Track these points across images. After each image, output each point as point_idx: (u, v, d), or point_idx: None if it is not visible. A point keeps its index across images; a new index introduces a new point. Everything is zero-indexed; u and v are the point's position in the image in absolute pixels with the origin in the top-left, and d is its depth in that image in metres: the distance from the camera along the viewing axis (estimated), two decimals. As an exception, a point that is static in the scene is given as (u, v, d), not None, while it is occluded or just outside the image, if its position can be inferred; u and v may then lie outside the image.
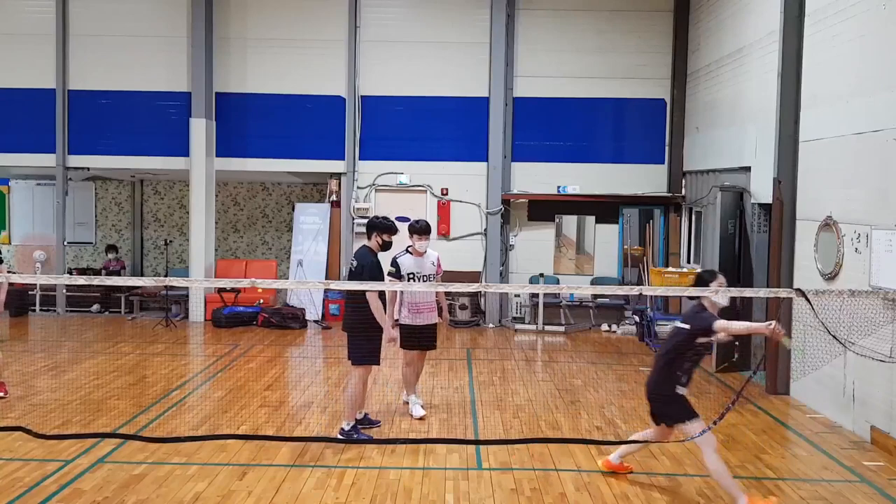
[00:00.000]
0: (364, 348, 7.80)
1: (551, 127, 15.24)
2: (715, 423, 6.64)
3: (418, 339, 8.51)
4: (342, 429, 7.89)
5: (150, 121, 15.20)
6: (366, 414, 8.28)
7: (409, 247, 8.46)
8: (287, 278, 15.99)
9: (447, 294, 14.76)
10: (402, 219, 15.22)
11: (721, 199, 11.39)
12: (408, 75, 15.18)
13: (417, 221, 8.51)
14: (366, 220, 8.37)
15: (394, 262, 8.37)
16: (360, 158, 15.28)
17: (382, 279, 7.97)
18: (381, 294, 7.89)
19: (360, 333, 7.78)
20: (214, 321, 14.30)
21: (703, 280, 6.55)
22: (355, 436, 7.82)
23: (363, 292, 7.62)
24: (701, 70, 13.96)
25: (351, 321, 7.90)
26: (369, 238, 8.05)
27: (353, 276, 7.89)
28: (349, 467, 7.03)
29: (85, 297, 15.77)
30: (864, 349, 6.85)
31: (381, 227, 8.02)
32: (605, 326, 14.65)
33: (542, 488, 6.65)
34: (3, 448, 7.35)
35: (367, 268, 7.84)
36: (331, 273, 15.24)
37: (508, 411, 8.94)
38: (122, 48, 15.12)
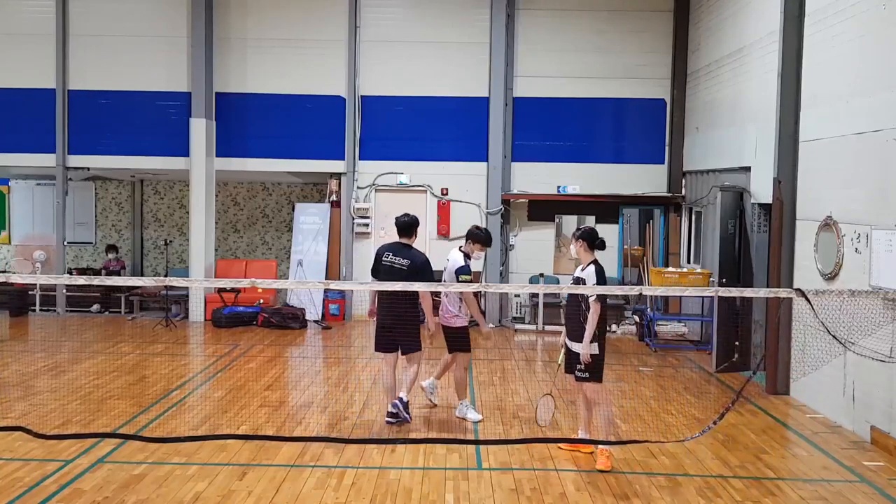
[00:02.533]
0: (416, 337, 8.39)
1: (551, 127, 15.24)
2: (715, 423, 6.64)
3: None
4: (400, 398, 8.29)
5: (150, 121, 15.19)
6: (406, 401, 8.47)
7: (461, 248, 8.61)
8: (287, 278, 15.99)
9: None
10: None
11: (721, 199, 11.39)
12: (408, 75, 15.18)
13: (482, 230, 8.71)
14: (405, 221, 8.65)
15: (468, 269, 8.43)
16: (360, 158, 15.28)
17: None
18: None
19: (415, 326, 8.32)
20: (214, 321, 14.29)
21: None
22: (404, 414, 8.26)
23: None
24: (701, 70, 13.96)
25: (408, 315, 8.21)
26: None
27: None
28: (349, 467, 7.03)
29: (85, 297, 15.77)
30: (864, 349, 6.85)
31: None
32: (605, 326, 14.63)
33: (542, 488, 6.65)
34: (3, 448, 7.35)
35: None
36: (331, 273, 15.24)
37: (508, 411, 8.93)
38: (122, 48, 15.12)
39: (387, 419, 8.34)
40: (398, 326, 8.16)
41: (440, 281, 8.94)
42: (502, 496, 6.48)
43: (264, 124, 15.24)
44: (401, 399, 8.36)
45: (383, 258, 8.38)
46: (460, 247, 8.67)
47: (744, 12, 11.88)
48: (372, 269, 8.62)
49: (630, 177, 15.14)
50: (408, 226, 8.38)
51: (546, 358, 12.29)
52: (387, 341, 8.37)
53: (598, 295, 7.05)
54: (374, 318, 8.55)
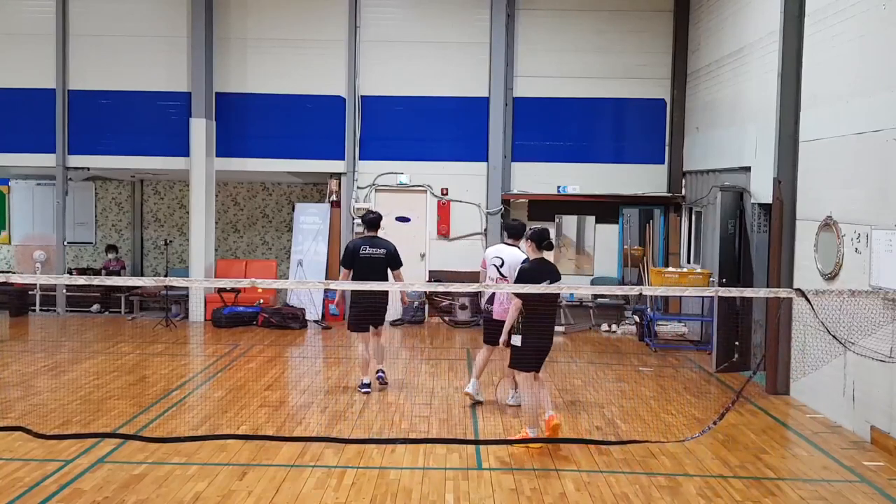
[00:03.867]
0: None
1: (551, 127, 15.24)
2: (715, 423, 6.65)
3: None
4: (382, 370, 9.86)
5: (150, 121, 15.19)
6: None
7: (507, 243, 9.11)
8: (287, 278, 15.99)
9: (448, 294, 14.83)
10: (402, 219, 15.31)
11: (721, 199, 11.39)
12: (408, 75, 15.18)
13: (518, 221, 9.65)
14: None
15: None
16: (360, 158, 15.28)
17: None
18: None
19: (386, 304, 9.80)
20: (214, 321, 14.29)
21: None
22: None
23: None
24: (701, 70, 13.96)
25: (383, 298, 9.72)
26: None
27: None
28: (349, 467, 7.04)
29: (85, 297, 15.76)
30: (864, 349, 6.86)
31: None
32: (605, 326, 14.65)
33: (542, 488, 6.65)
34: (3, 448, 7.35)
35: None
36: (331, 273, 15.23)
37: (508, 411, 8.93)
38: (122, 48, 15.11)
39: (364, 390, 9.56)
40: (377, 308, 9.58)
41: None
42: (502, 496, 6.48)
43: (264, 124, 15.24)
44: (382, 370, 9.92)
45: (361, 252, 9.64)
46: (507, 242, 9.10)
47: (744, 12, 11.88)
48: (346, 263, 9.74)
49: (630, 177, 15.13)
50: (376, 221, 9.94)
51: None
52: (367, 322, 9.67)
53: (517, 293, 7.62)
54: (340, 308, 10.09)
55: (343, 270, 9.79)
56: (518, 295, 7.62)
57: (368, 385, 9.63)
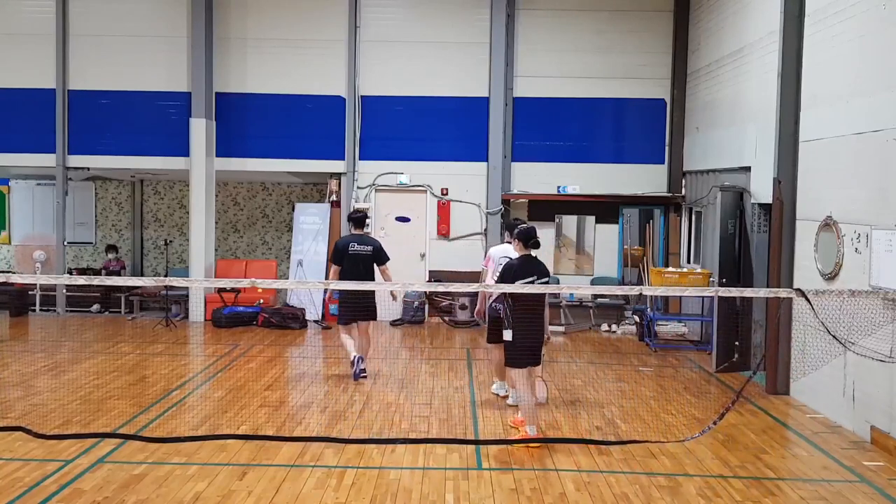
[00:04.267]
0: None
1: (551, 127, 15.24)
2: (715, 423, 6.64)
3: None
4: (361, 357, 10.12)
5: (150, 121, 15.19)
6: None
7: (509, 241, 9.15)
8: (287, 278, 15.99)
9: (448, 294, 14.84)
10: (402, 219, 15.32)
11: (721, 199, 11.39)
12: (408, 75, 15.18)
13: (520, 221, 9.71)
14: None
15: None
16: (360, 158, 15.28)
17: None
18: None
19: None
20: (214, 321, 14.29)
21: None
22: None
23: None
24: (701, 70, 13.96)
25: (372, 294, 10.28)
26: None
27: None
28: (349, 467, 7.04)
29: (85, 297, 15.76)
30: (864, 349, 6.86)
31: None
32: (605, 326, 14.64)
33: (542, 488, 6.65)
34: (3, 448, 7.35)
35: None
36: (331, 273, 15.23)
37: (508, 411, 8.93)
38: (122, 48, 15.11)
39: (362, 376, 10.06)
40: (366, 305, 10.10)
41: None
42: (502, 496, 6.48)
43: (264, 124, 15.24)
44: (361, 358, 10.18)
45: (349, 249, 10.13)
46: (508, 241, 9.18)
47: (744, 12, 11.88)
48: (336, 259, 10.20)
49: (630, 177, 15.14)
50: (362, 219, 10.48)
51: (546, 358, 12.27)
52: (354, 318, 10.21)
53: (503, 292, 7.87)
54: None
55: (333, 267, 10.30)
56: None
57: (362, 358, 10.17)
